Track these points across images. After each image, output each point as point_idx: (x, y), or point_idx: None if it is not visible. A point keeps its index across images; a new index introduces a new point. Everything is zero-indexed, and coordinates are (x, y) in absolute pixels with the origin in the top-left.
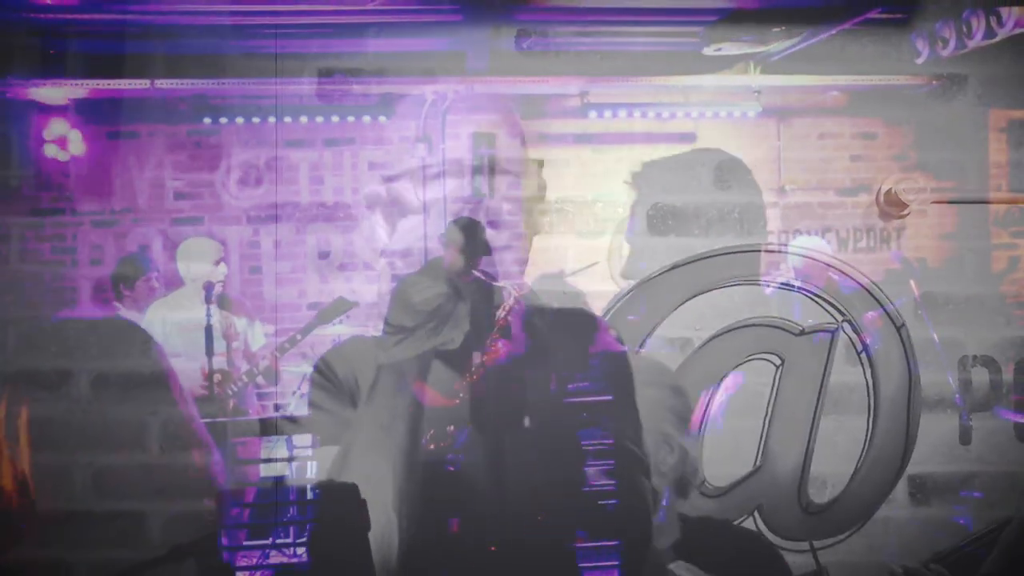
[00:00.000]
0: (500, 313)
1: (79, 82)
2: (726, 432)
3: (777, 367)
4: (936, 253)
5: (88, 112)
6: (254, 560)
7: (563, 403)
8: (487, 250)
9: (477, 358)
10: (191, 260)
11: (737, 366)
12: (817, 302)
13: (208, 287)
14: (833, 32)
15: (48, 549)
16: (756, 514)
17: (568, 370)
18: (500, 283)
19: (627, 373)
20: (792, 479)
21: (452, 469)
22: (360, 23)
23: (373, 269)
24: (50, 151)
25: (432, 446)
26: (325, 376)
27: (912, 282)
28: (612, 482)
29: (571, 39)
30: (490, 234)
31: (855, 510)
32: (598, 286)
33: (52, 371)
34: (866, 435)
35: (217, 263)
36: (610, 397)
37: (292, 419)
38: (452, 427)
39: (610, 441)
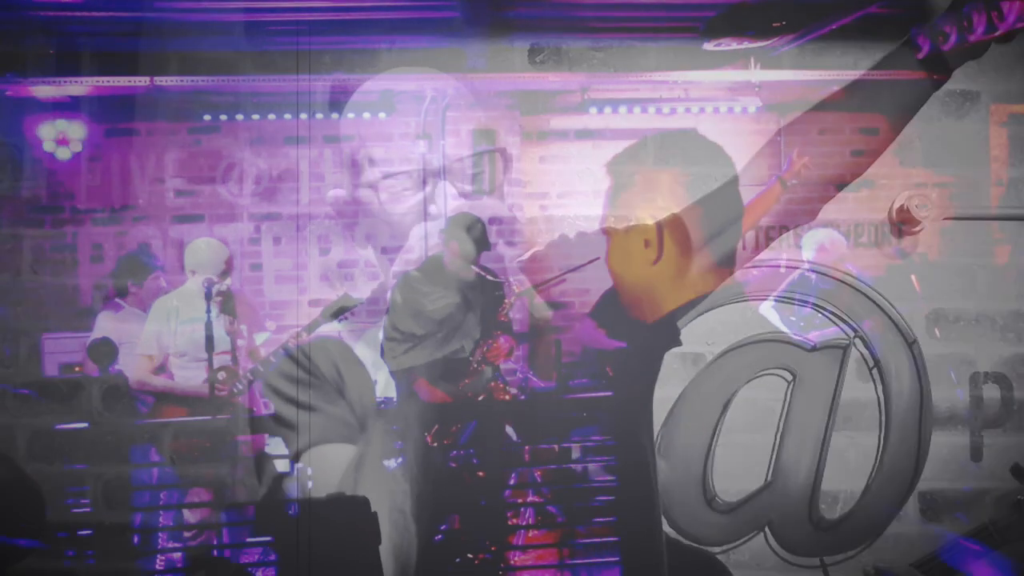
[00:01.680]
0: (502, 309)
1: (79, 80)
2: (737, 447)
3: (789, 382)
4: (937, 250)
5: (88, 109)
6: (255, 557)
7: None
8: (487, 246)
9: (479, 353)
10: (198, 261)
11: (749, 381)
12: (830, 318)
13: (208, 285)
14: (833, 27)
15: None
16: (767, 529)
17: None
18: (501, 279)
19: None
20: (803, 495)
21: (454, 466)
22: (360, 19)
23: (374, 266)
24: (50, 148)
25: (435, 444)
26: (306, 370)
27: (913, 277)
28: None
29: (581, 49)
30: (490, 230)
31: (866, 526)
32: (598, 282)
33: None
34: (877, 451)
35: (225, 264)
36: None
37: (283, 421)
38: (458, 424)
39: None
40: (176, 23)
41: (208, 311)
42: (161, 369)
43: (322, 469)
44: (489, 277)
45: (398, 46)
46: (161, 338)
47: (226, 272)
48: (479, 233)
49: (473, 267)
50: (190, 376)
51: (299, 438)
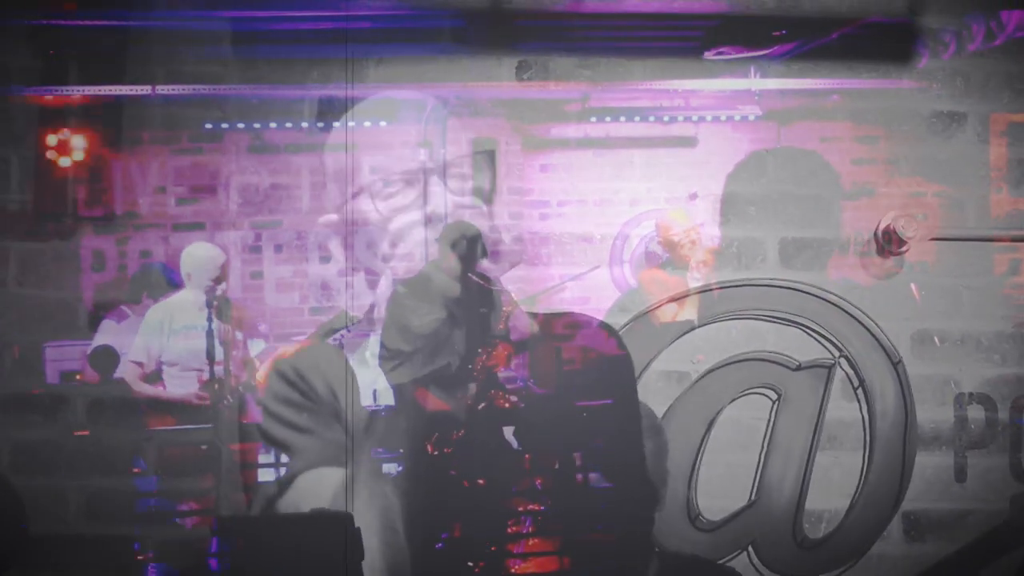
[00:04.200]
0: (502, 317)
1: (80, 88)
2: (721, 466)
3: (773, 401)
4: (937, 257)
5: (89, 118)
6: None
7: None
8: (484, 254)
9: (480, 361)
10: (193, 266)
11: (733, 400)
12: (814, 337)
13: (209, 292)
14: (834, 36)
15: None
16: (750, 549)
17: None
18: (499, 288)
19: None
20: (787, 514)
21: (454, 474)
22: (358, 28)
23: (374, 274)
24: (51, 157)
25: (436, 452)
26: (303, 393)
27: (913, 286)
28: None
29: (573, 70)
30: (490, 240)
31: (850, 546)
32: (598, 291)
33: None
34: (861, 471)
35: (220, 269)
36: (611, 400)
37: (282, 444)
38: (461, 431)
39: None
40: (172, 31)
41: (209, 319)
42: (156, 378)
43: (313, 492)
44: (486, 286)
45: (396, 55)
46: (152, 347)
47: (221, 278)
48: (476, 241)
49: (470, 275)
50: (183, 386)
51: (294, 462)
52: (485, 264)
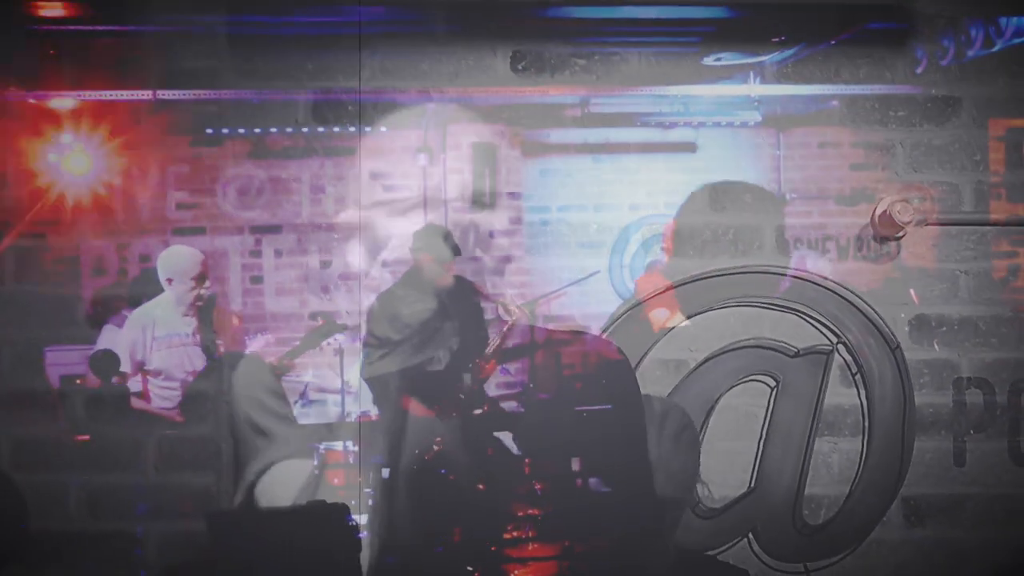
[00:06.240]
0: (498, 331)
1: (80, 93)
2: (721, 453)
3: (772, 388)
4: (936, 262)
5: (90, 122)
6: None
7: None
8: (457, 251)
9: (476, 370)
10: (173, 269)
11: (732, 387)
12: (812, 324)
13: (191, 299)
14: (833, 43)
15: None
16: (750, 535)
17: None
18: (497, 296)
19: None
20: (787, 500)
21: (453, 478)
22: (356, 32)
23: (372, 279)
24: (53, 161)
25: (426, 457)
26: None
27: (912, 291)
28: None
29: (568, 60)
30: (490, 244)
31: (849, 532)
32: (598, 295)
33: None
34: (860, 457)
35: (197, 276)
36: (610, 406)
37: (264, 432)
38: (440, 438)
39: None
40: (171, 35)
41: (194, 323)
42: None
43: (285, 479)
44: (484, 291)
45: (379, 59)
46: (135, 351)
47: (202, 276)
48: (445, 241)
49: (450, 274)
50: (167, 396)
51: (271, 452)
52: (483, 261)
